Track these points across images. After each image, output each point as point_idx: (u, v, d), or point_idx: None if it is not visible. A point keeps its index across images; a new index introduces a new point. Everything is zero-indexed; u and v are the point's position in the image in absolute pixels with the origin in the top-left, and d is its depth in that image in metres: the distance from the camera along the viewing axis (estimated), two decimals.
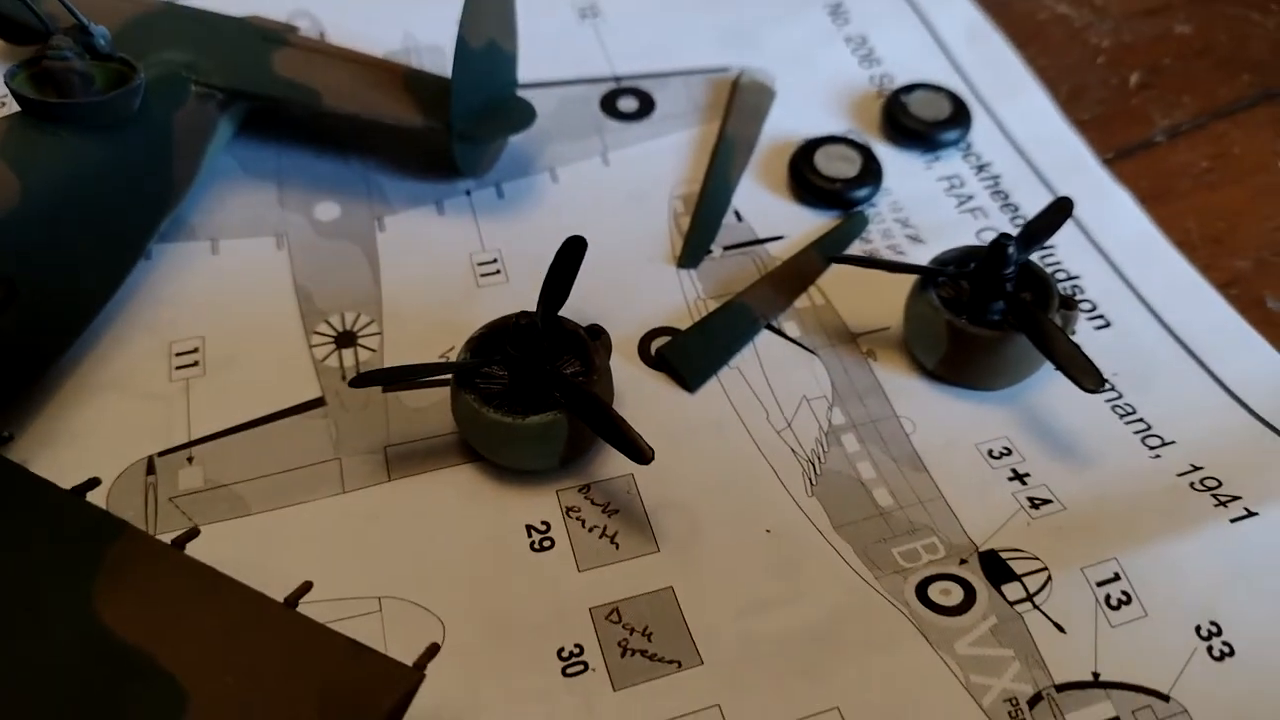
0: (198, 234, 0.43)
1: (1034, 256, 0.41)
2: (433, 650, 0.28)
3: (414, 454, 0.37)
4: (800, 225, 0.44)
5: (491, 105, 0.44)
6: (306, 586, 0.30)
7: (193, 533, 0.31)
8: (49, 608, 0.28)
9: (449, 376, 0.36)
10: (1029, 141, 0.48)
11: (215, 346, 0.39)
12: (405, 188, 0.45)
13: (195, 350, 0.39)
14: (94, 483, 0.32)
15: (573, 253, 0.35)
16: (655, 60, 0.51)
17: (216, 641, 0.27)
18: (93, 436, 0.36)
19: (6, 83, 0.37)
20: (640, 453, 0.33)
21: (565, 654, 0.32)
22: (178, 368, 0.39)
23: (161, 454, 0.36)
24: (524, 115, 0.44)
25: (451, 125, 0.42)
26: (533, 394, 0.35)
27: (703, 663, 0.31)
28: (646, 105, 0.49)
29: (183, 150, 0.41)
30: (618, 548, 0.34)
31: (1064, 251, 0.44)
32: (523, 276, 0.42)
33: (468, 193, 0.45)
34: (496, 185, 0.45)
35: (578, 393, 0.34)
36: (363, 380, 0.34)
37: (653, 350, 0.40)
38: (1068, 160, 0.47)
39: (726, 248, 0.43)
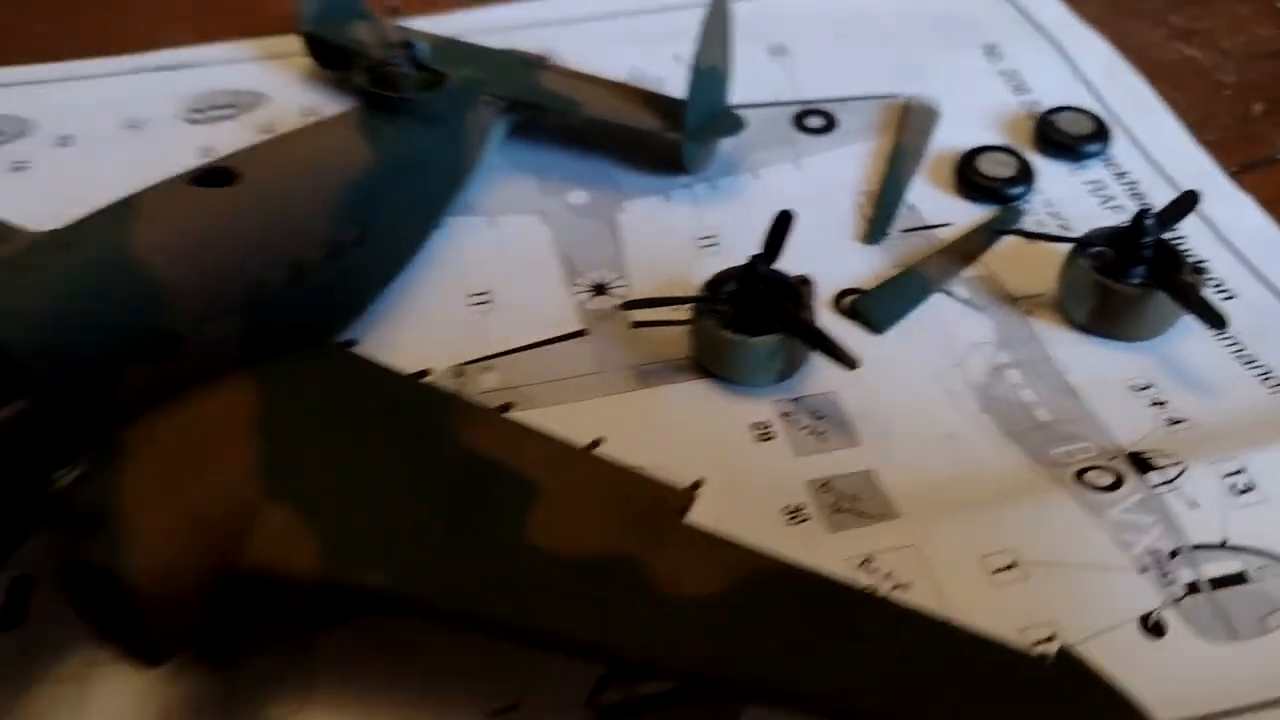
0: (478, 211, 0.54)
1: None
2: (699, 483, 0.38)
3: (657, 371, 0.46)
4: (965, 216, 0.53)
5: (711, 116, 0.55)
6: (598, 440, 0.39)
7: (507, 405, 0.41)
8: (424, 441, 0.38)
9: (688, 313, 0.46)
10: (1162, 155, 0.56)
11: (500, 292, 0.50)
12: (639, 181, 0.56)
13: (486, 293, 0.50)
14: (424, 373, 0.43)
15: (784, 220, 0.45)
16: (836, 89, 0.61)
17: (551, 461, 0.37)
18: (412, 348, 0.47)
19: (355, 82, 0.49)
20: (849, 360, 0.42)
21: (788, 511, 0.40)
22: (471, 305, 0.49)
23: (466, 363, 0.47)
24: (736, 123, 0.55)
25: (684, 129, 0.53)
26: (756, 322, 0.44)
27: (900, 517, 0.40)
28: (830, 123, 0.59)
29: (471, 143, 0.53)
30: (826, 442, 0.43)
31: (1193, 241, 0.52)
32: (735, 247, 0.51)
33: (688, 186, 0.56)
34: (710, 181, 0.56)
35: (794, 317, 0.43)
36: (630, 305, 0.44)
37: (845, 305, 0.49)
38: (1196, 170, 0.55)
39: (903, 230, 0.53)
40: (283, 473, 0.34)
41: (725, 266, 0.47)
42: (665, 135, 0.54)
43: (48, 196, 0.44)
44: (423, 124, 0.49)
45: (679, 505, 0.36)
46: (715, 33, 0.53)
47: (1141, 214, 0.45)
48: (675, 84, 0.56)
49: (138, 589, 0.30)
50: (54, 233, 0.36)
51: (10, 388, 0.32)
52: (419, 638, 0.36)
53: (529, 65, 0.58)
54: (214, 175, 0.40)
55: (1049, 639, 0.35)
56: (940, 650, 0.30)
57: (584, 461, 0.37)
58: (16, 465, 0.33)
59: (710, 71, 0.54)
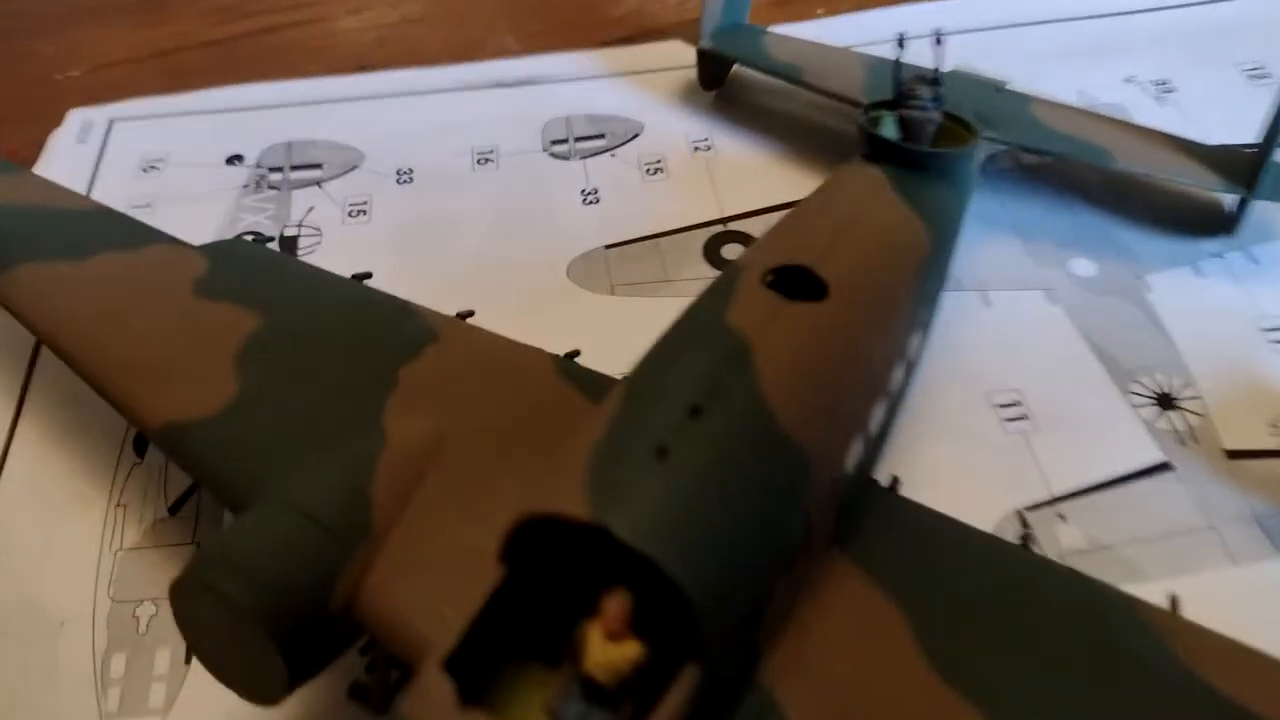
0: (965, 285, 0.43)
1: None
2: None
3: None
4: None
5: None
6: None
7: None
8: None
9: None
10: None
11: (1033, 400, 0.39)
12: (1151, 245, 0.44)
13: (1018, 404, 0.39)
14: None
15: None
16: None
17: None
18: (949, 480, 0.36)
19: (880, 130, 0.38)
20: None
21: None
22: (1006, 419, 0.38)
23: (1030, 508, 0.35)
24: None
25: (1256, 187, 0.41)
26: None
27: None
28: None
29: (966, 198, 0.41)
30: None
31: None
32: None
33: (1219, 256, 0.43)
34: (1244, 250, 0.43)
35: None
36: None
37: None
38: None
39: None
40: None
41: None
42: (1226, 195, 0.42)
43: None
44: (947, 184, 0.38)
45: None
46: None
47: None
48: (1144, 116, 0.45)
49: None
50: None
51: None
52: None
53: (1017, 99, 0.46)
54: (799, 279, 0.29)
55: None
56: None
57: None
58: None
59: None
